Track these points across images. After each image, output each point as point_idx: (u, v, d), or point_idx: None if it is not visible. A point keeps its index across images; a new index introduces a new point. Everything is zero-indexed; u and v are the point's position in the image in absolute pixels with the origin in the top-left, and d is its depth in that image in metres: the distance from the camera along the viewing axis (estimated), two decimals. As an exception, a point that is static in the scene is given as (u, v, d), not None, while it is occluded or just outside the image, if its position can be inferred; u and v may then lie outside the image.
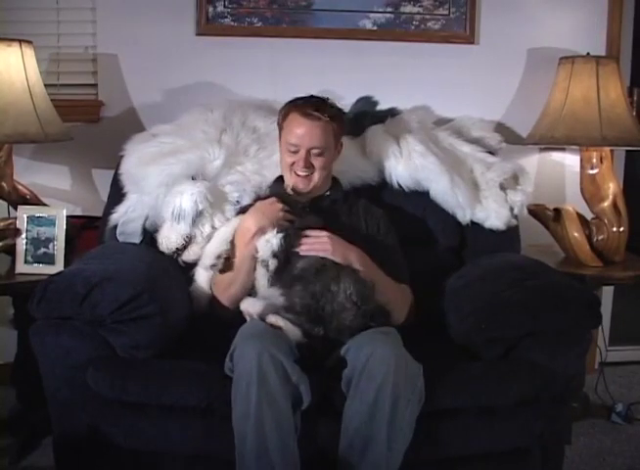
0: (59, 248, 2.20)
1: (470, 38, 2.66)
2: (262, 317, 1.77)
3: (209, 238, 2.00)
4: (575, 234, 2.45)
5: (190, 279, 2.02)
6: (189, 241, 2.00)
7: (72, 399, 1.80)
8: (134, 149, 2.24)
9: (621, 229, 2.45)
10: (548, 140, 2.48)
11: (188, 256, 2.02)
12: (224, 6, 2.56)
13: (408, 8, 2.63)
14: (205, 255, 1.99)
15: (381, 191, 2.31)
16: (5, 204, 2.38)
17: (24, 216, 2.22)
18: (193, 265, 2.02)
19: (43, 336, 1.79)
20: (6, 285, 2.17)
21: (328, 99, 2.07)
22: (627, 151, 2.86)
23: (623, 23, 2.76)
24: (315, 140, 1.99)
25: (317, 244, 1.89)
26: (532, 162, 2.76)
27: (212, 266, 1.97)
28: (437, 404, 1.72)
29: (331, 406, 1.70)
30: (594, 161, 2.47)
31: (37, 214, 2.23)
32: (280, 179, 2.12)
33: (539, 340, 1.83)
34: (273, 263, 1.87)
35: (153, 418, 1.75)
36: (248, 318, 1.81)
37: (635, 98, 2.92)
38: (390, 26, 2.63)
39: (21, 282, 2.14)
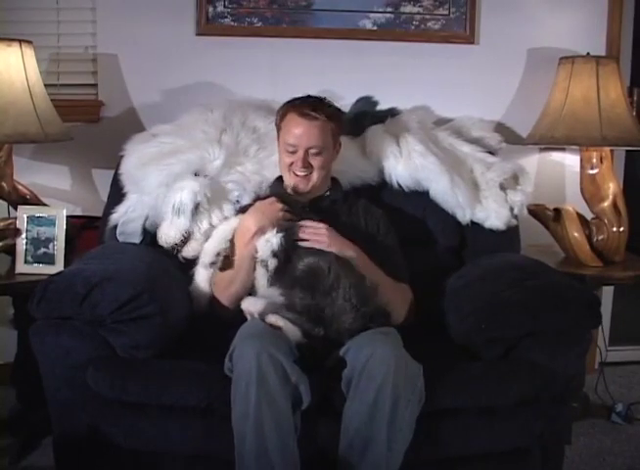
0: (59, 248, 2.20)
1: (470, 38, 2.66)
2: (263, 316, 1.77)
3: (208, 235, 2.00)
4: (575, 234, 2.45)
5: (190, 279, 2.02)
6: (188, 237, 2.00)
7: (72, 399, 1.80)
8: (134, 149, 2.24)
9: (621, 229, 2.45)
10: (548, 140, 2.48)
11: (187, 252, 2.01)
12: (224, 6, 2.56)
13: (408, 8, 2.63)
14: (205, 252, 1.99)
15: (381, 191, 2.31)
16: (5, 204, 2.38)
17: (24, 216, 2.22)
18: (193, 263, 2.01)
19: (43, 336, 1.79)
20: (6, 285, 2.17)
21: (325, 98, 2.07)
22: (627, 151, 2.86)
23: (623, 23, 2.76)
24: (313, 140, 1.99)
25: (315, 235, 1.90)
26: (532, 162, 2.76)
27: (212, 264, 1.97)
28: (437, 404, 1.72)
29: (331, 406, 1.70)
30: (594, 161, 2.47)
31: (37, 214, 2.23)
32: (280, 179, 2.12)
33: (539, 340, 1.83)
34: (273, 263, 1.87)
35: (153, 418, 1.75)
36: (249, 317, 1.81)
37: (635, 98, 2.92)
38: (390, 26, 2.63)
39: (21, 282, 2.14)
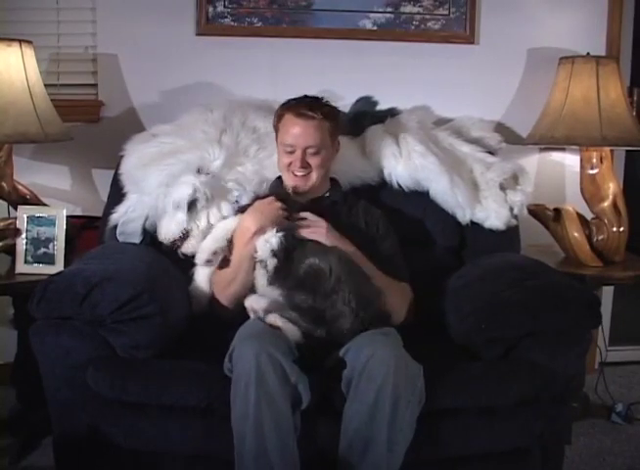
0: (59, 248, 2.20)
1: (470, 38, 2.66)
2: (267, 313, 1.77)
3: (206, 234, 1.99)
4: (575, 234, 2.45)
5: (190, 278, 2.01)
6: (187, 233, 2.00)
7: (72, 399, 1.80)
8: (134, 149, 2.24)
9: (621, 229, 2.45)
10: (548, 140, 2.48)
11: (187, 248, 2.01)
12: (224, 6, 2.56)
13: (408, 8, 2.63)
14: (201, 250, 1.98)
15: (380, 191, 2.31)
16: (5, 204, 2.38)
17: (24, 216, 2.22)
18: (192, 263, 2.01)
19: (43, 336, 1.79)
20: (6, 285, 2.17)
21: (322, 98, 2.08)
22: (627, 151, 2.86)
23: (623, 23, 2.76)
24: (310, 139, 1.99)
25: (312, 226, 1.92)
26: (532, 162, 2.76)
27: (207, 262, 1.96)
28: (437, 404, 1.72)
29: (331, 406, 1.70)
30: (594, 161, 2.47)
31: (37, 214, 2.23)
32: (280, 179, 2.12)
33: (539, 340, 1.83)
34: (272, 263, 1.86)
35: (153, 418, 1.75)
36: (252, 315, 1.81)
37: (635, 98, 2.92)
38: (390, 26, 2.63)
39: (21, 282, 2.14)
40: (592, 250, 2.46)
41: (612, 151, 2.59)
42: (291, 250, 1.87)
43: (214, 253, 1.96)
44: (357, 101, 2.48)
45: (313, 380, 1.67)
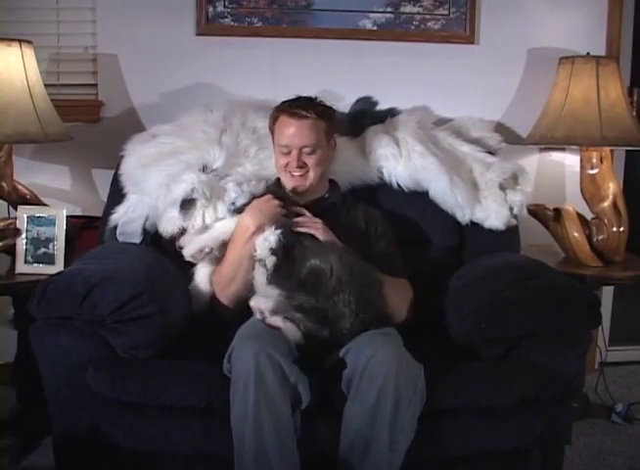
0: (59, 248, 2.20)
1: (470, 38, 2.66)
2: (273, 314, 1.77)
3: (201, 232, 1.99)
4: (575, 234, 2.45)
5: (190, 278, 2.01)
6: (184, 230, 2.00)
7: (72, 399, 1.80)
8: (134, 149, 2.24)
9: (621, 229, 2.45)
10: (548, 140, 2.48)
11: (185, 242, 2.01)
12: (224, 6, 2.56)
13: (408, 8, 2.63)
14: (191, 245, 1.97)
15: (380, 191, 2.31)
16: (5, 204, 2.38)
17: (24, 216, 2.22)
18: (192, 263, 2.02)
19: (43, 336, 1.79)
20: (6, 285, 2.17)
21: (316, 98, 2.09)
22: (627, 151, 2.86)
23: (623, 23, 2.76)
24: (305, 139, 2.01)
25: (309, 223, 1.93)
26: (532, 162, 2.76)
27: (192, 257, 1.96)
28: (438, 404, 1.72)
29: (331, 406, 1.70)
30: (594, 161, 2.47)
31: (37, 214, 2.23)
32: (279, 180, 2.12)
33: (539, 340, 1.83)
34: (271, 261, 1.86)
35: (153, 418, 1.75)
36: (258, 315, 1.80)
37: (635, 98, 2.92)
38: (390, 26, 2.63)
39: (21, 282, 2.14)
40: (592, 250, 2.45)
41: (612, 151, 2.59)
42: (290, 248, 1.87)
43: (200, 250, 1.95)
44: (357, 101, 2.49)
45: (313, 380, 1.67)
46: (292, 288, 1.80)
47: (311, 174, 2.05)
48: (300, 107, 2.02)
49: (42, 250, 2.20)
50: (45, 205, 2.35)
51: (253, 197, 2.01)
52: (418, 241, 2.27)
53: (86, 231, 2.39)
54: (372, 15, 2.62)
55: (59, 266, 2.16)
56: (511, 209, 2.30)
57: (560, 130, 2.42)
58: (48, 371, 1.82)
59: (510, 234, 2.31)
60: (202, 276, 2.00)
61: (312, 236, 1.92)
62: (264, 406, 1.58)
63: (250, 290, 1.91)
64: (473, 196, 2.28)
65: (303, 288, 1.78)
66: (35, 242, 2.20)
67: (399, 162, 2.28)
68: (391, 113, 2.43)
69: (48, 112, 2.27)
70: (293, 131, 2.01)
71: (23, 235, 2.20)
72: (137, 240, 2.14)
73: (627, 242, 2.49)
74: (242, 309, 1.87)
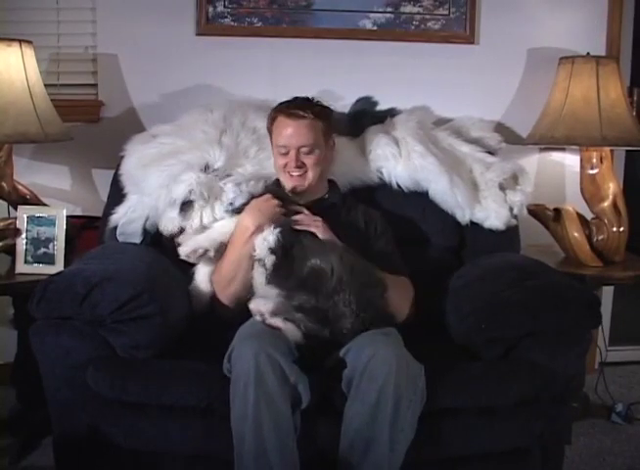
0: (59, 248, 2.20)
1: (470, 38, 2.66)
2: (273, 316, 1.77)
3: (199, 232, 2.00)
4: (575, 234, 2.45)
5: (190, 278, 2.01)
6: (182, 230, 2.00)
7: (72, 399, 1.80)
8: (134, 149, 2.24)
9: (621, 229, 2.45)
10: (548, 140, 2.48)
11: (183, 240, 2.01)
12: (224, 6, 2.56)
13: (408, 8, 2.63)
14: (187, 244, 1.98)
15: (380, 191, 2.31)
16: (5, 204, 2.38)
17: (24, 216, 2.22)
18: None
19: (43, 336, 1.79)
20: (6, 285, 2.17)
21: (313, 98, 2.10)
22: (627, 151, 2.86)
23: (623, 23, 2.76)
24: (303, 139, 2.01)
25: (309, 220, 1.94)
26: (532, 162, 2.76)
27: (186, 257, 1.96)
28: (438, 404, 1.72)
29: (331, 406, 1.70)
30: (594, 161, 2.47)
31: (37, 214, 2.23)
32: (278, 181, 2.13)
33: (539, 340, 1.83)
34: (270, 260, 1.87)
35: (153, 418, 1.75)
36: (258, 317, 1.80)
37: (635, 98, 2.92)
38: (390, 26, 2.63)
39: (21, 282, 2.14)
40: (592, 250, 2.45)
41: (612, 151, 2.59)
42: (289, 247, 1.87)
43: (194, 251, 1.95)
44: (357, 101, 2.48)
45: (313, 380, 1.67)
46: (291, 288, 1.80)
47: (310, 174, 2.05)
48: (298, 107, 2.03)
49: (42, 250, 2.20)
50: (45, 205, 2.35)
51: (252, 197, 2.01)
52: (418, 241, 2.27)
53: (86, 231, 2.39)
54: (372, 15, 2.62)
55: (59, 266, 2.16)
56: (511, 209, 2.30)
57: (560, 130, 2.42)
58: (48, 371, 1.82)
59: (510, 234, 2.31)
60: (202, 276, 2.00)
61: (313, 236, 1.92)
62: (264, 406, 1.58)
63: (249, 290, 1.91)
64: (473, 196, 2.28)
65: (304, 288, 1.78)
66: (35, 242, 2.20)
67: (399, 162, 2.28)
68: (391, 113, 2.43)
69: (48, 112, 2.27)
70: (290, 131, 2.02)
71: (23, 235, 2.20)
72: (137, 240, 2.14)
73: (627, 242, 2.49)
74: (242, 310, 1.86)
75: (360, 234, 2.06)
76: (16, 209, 2.27)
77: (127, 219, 2.15)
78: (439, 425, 1.75)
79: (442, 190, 2.26)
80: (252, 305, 1.83)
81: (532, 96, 2.65)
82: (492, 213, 2.28)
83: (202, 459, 1.78)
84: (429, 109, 2.63)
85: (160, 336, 1.81)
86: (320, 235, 1.92)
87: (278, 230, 1.88)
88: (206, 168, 2.07)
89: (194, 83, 2.58)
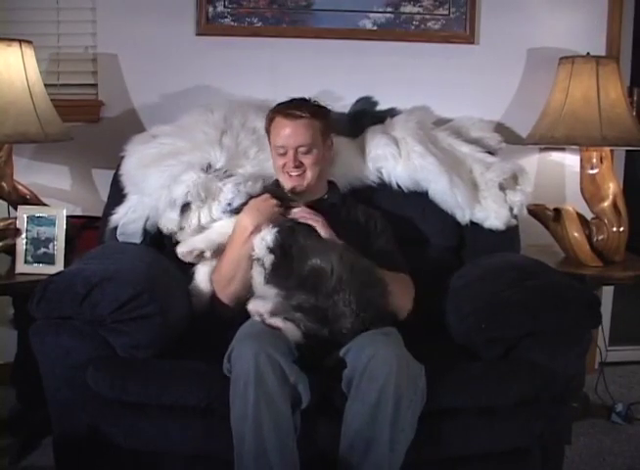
0: (59, 248, 2.20)
1: (470, 38, 2.66)
2: (272, 316, 1.77)
3: (197, 232, 2.00)
4: (575, 234, 2.45)
5: (190, 277, 2.01)
6: (182, 228, 2.01)
7: (72, 399, 1.80)
8: (134, 150, 2.24)
9: (621, 229, 2.45)
10: (548, 140, 2.48)
11: (182, 238, 2.02)
12: (224, 6, 2.56)
13: (408, 8, 2.63)
14: (184, 243, 1.98)
15: (380, 192, 2.31)
16: (5, 204, 2.38)
17: (24, 216, 2.22)
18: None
19: (43, 336, 1.79)
20: (6, 285, 2.17)
21: (310, 99, 2.11)
22: (627, 151, 2.86)
23: (623, 23, 2.76)
24: (300, 138, 2.02)
25: (309, 215, 1.95)
26: (532, 162, 2.76)
27: (182, 256, 1.97)
28: (438, 404, 1.72)
29: (331, 406, 1.70)
30: (594, 161, 2.47)
31: (37, 214, 2.23)
32: (277, 182, 2.13)
33: (539, 340, 1.83)
34: (269, 259, 1.87)
35: (153, 418, 1.75)
36: (257, 318, 1.80)
37: (635, 98, 2.92)
38: (390, 26, 2.63)
39: (21, 282, 2.14)
40: (592, 250, 2.45)
41: (612, 151, 2.59)
42: (287, 247, 1.87)
43: (190, 251, 1.96)
44: (357, 101, 2.49)
45: (313, 380, 1.67)
46: (291, 287, 1.80)
47: (309, 174, 2.06)
48: (295, 107, 2.04)
49: (42, 250, 2.20)
50: (45, 205, 2.35)
51: (250, 197, 2.01)
52: (418, 241, 2.27)
53: (86, 231, 2.39)
54: (372, 15, 2.62)
55: (59, 266, 2.16)
56: (511, 209, 2.30)
57: (560, 130, 2.42)
58: (48, 371, 1.82)
59: (510, 234, 2.31)
60: (202, 275, 2.00)
61: (312, 235, 1.92)
62: (264, 406, 1.58)
63: (249, 290, 1.91)
64: (472, 196, 2.28)
65: (303, 287, 1.78)
66: (35, 242, 2.20)
67: (399, 162, 2.28)
68: (391, 113, 2.43)
69: (48, 112, 2.27)
70: (288, 132, 2.03)
71: (23, 235, 2.20)
72: (137, 241, 2.14)
73: (627, 242, 2.49)
74: (242, 309, 1.86)
75: (360, 232, 2.07)
76: (16, 209, 2.27)
77: (127, 220, 2.15)
78: (439, 425, 1.75)
79: (442, 190, 2.26)
80: (251, 306, 1.83)
81: (532, 96, 2.65)
82: (492, 213, 2.28)
83: (202, 459, 1.78)
84: (429, 109, 2.63)
85: (160, 336, 1.81)
86: (319, 229, 1.92)
87: (276, 230, 1.89)
88: (209, 168, 2.07)
89: (194, 83, 2.58)
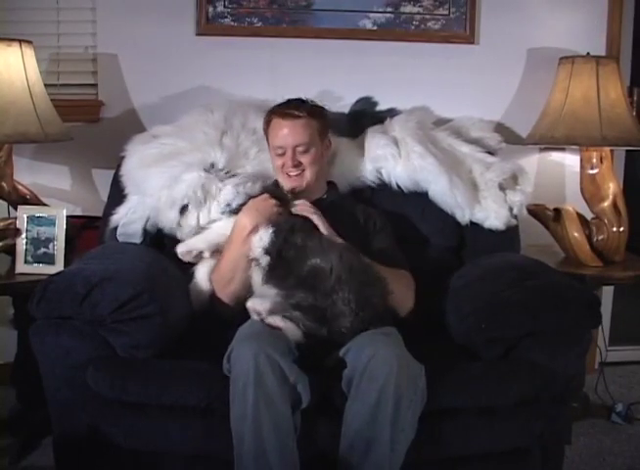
0: (59, 248, 2.20)
1: (470, 38, 2.66)
2: (271, 315, 1.77)
3: (195, 231, 2.00)
4: (575, 234, 2.45)
5: (190, 277, 2.01)
6: (179, 228, 2.02)
7: (72, 399, 1.80)
8: (135, 150, 2.24)
9: (621, 229, 2.45)
10: (548, 140, 2.48)
11: (181, 236, 2.03)
12: (224, 6, 2.56)
13: (408, 8, 2.63)
14: (183, 243, 1.99)
15: (380, 192, 2.31)
16: (5, 204, 2.38)
17: (24, 216, 2.22)
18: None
19: (43, 336, 1.79)
20: (6, 285, 2.17)
21: (307, 99, 2.11)
22: (627, 151, 2.86)
23: (623, 23, 2.76)
24: (298, 138, 2.03)
25: (308, 209, 1.96)
26: (532, 162, 2.76)
27: (181, 256, 1.97)
28: (438, 404, 1.72)
29: (331, 406, 1.70)
30: (594, 161, 2.47)
31: (37, 214, 2.23)
32: (276, 183, 2.13)
33: (539, 340, 1.83)
34: (265, 260, 1.87)
35: (153, 418, 1.75)
36: (255, 316, 1.80)
37: (635, 98, 2.92)
38: (390, 26, 2.63)
39: (21, 282, 2.14)
40: (592, 250, 2.45)
41: (612, 151, 2.59)
42: (285, 247, 1.87)
43: (189, 252, 1.97)
44: (357, 101, 2.49)
45: (313, 380, 1.67)
46: (290, 286, 1.80)
47: (307, 173, 2.06)
48: (292, 107, 2.06)
49: (42, 250, 2.20)
50: (45, 205, 2.35)
51: (250, 197, 2.01)
52: (418, 241, 2.27)
53: (86, 231, 2.39)
54: (372, 15, 2.62)
55: (59, 266, 2.16)
56: (511, 209, 2.30)
57: (560, 130, 2.42)
58: (48, 371, 1.82)
59: (510, 234, 2.31)
60: (202, 275, 2.00)
61: (313, 235, 1.92)
62: (264, 407, 1.58)
63: (249, 289, 1.91)
64: (472, 196, 2.28)
65: (302, 286, 1.78)
66: (35, 242, 2.20)
67: (399, 162, 2.28)
68: (391, 113, 2.43)
69: (48, 112, 2.27)
70: (286, 132, 2.04)
71: (23, 235, 2.21)
72: (137, 241, 2.14)
73: (627, 242, 2.49)
74: (242, 309, 1.86)
75: (360, 230, 2.07)
76: (16, 209, 2.27)
77: (128, 220, 2.16)
78: (439, 425, 1.75)
79: (442, 190, 2.26)
80: (250, 304, 1.83)
81: (532, 96, 2.65)
82: (492, 213, 2.28)
83: (202, 459, 1.78)
84: (428, 109, 2.63)
85: (160, 336, 1.81)
86: (319, 225, 1.92)
87: (274, 230, 1.89)
88: (212, 168, 2.08)
89: (194, 83, 2.58)
